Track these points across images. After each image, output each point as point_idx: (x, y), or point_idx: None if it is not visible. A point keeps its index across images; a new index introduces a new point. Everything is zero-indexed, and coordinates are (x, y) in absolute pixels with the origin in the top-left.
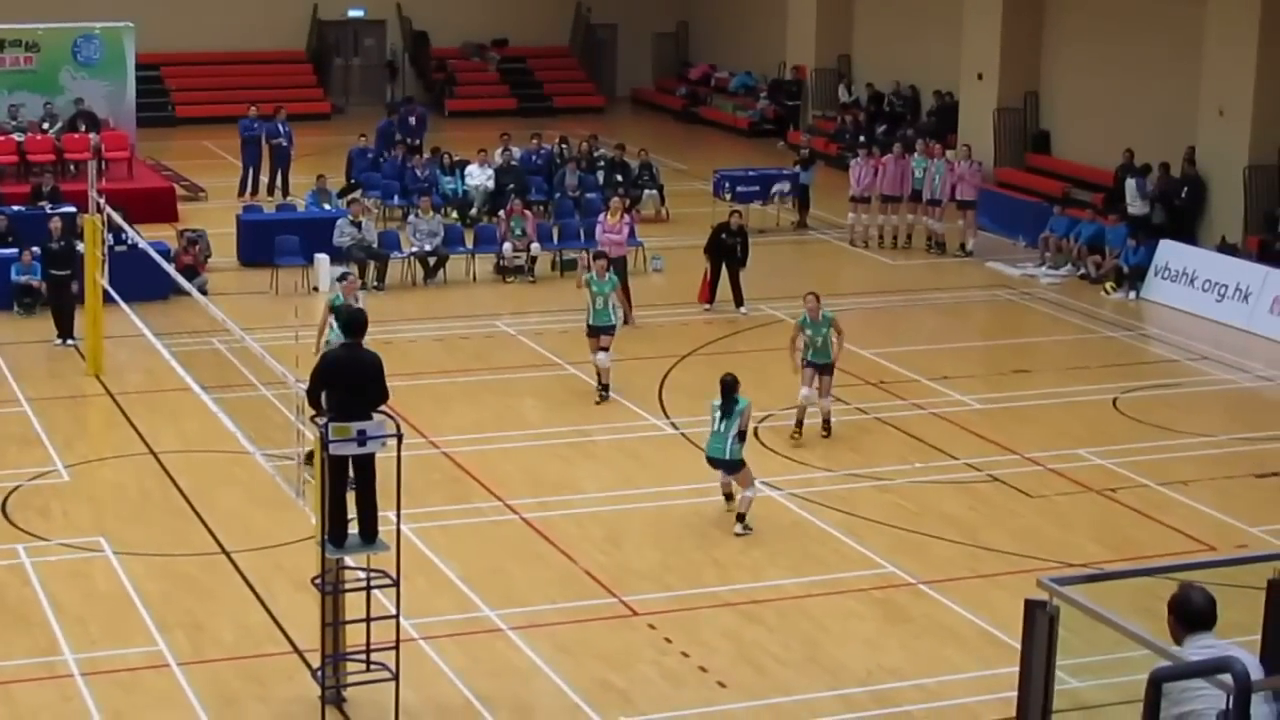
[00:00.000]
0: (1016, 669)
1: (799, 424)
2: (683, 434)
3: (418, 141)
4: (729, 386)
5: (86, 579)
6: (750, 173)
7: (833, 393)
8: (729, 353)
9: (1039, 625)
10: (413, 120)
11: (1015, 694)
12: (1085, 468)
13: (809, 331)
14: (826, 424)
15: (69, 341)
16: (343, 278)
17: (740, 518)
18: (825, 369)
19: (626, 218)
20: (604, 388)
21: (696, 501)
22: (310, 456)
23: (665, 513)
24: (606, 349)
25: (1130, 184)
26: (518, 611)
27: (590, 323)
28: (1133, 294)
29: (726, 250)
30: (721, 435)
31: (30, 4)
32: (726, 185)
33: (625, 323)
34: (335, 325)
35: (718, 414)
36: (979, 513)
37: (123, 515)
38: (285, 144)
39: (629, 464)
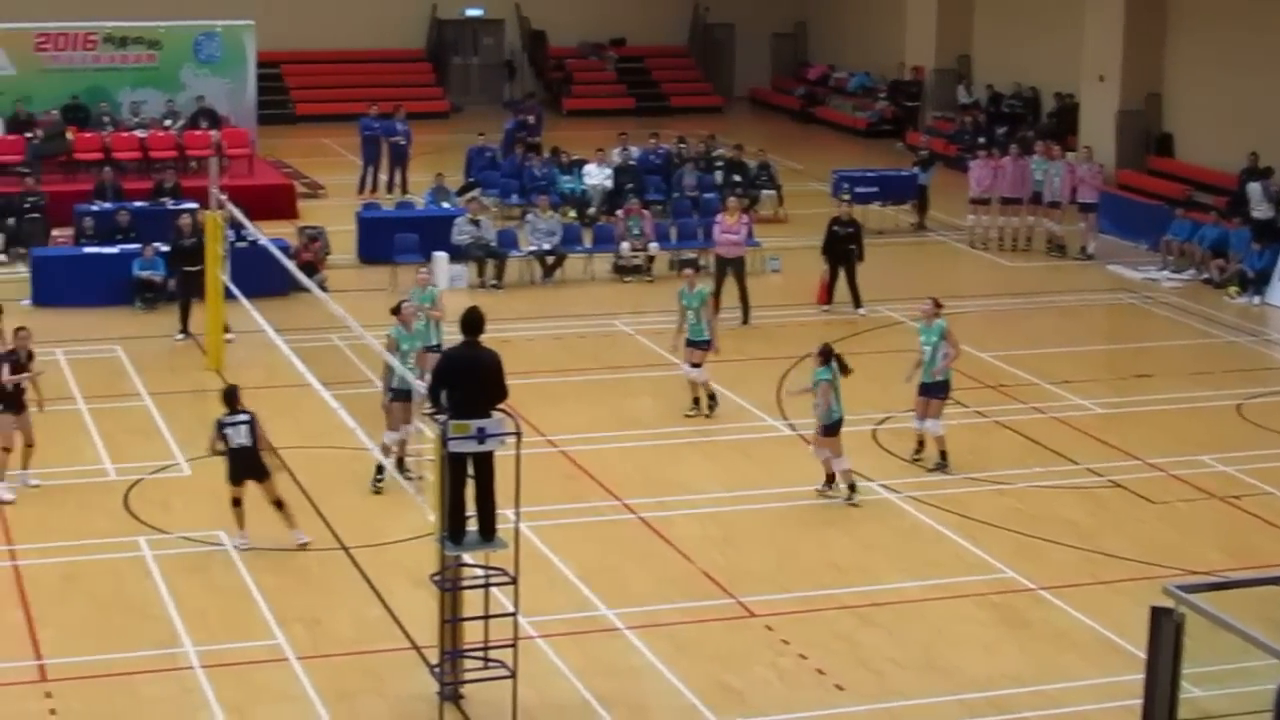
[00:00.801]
0: (1136, 676)
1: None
2: (801, 435)
3: (536, 139)
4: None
5: (206, 573)
6: (869, 173)
7: (941, 417)
8: (846, 354)
9: (1165, 633)
10: (531, 118)
11: (1135, 701)
12: (1208, 474)
13: (920, 339)
14: (942, 455)
15: (188, 336)
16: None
17: (852, 487)
18: (932, 389)
19: (744, 218)
20: (695, 401)
21: (814, 503)
22: (401, 464)
23: (783, 513)
24: (698, 365)
25: (1254, 187)
26: (635, 611)
27: (689, 337)
28: (1257, 298)
29: (840, 242)
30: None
31: (152, 2)
32: (845, 186)
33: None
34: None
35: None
36: (1099, 518)
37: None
38: (404, 142)
39: (746, 464)
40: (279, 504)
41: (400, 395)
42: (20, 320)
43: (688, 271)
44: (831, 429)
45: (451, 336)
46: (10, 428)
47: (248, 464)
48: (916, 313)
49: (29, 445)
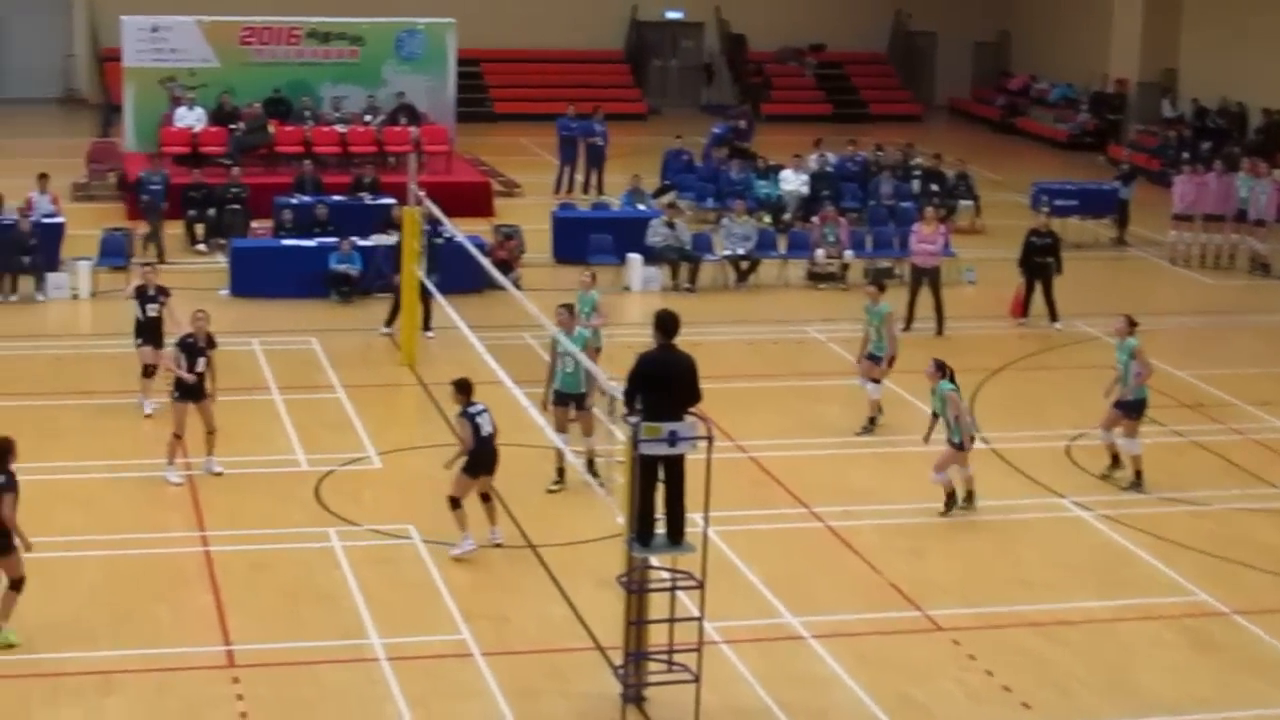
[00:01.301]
0: None
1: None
2: (992, 449)
3: (745, 145)
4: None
5: (394, 565)
6: (1068, 186)
7: (1138, 436)
8: (1041, 368)
9: None
10: (742, 123)
11: None
12: None
13: (1116, 356)
14: (1137, 475)
15: (428, 334)
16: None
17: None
18: (1126, 407)
19: (941, 228)
20: (870, 420)
21: (1003, 518)
22: (590, 464)
23: (971, 527)
24: (878, 380)
25: None
26: (819, 619)
27: (870, 351)
28: None
29: (1038, 253)
30: None
31: None
32: (1044, 198)
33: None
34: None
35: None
36: None
37: (431, 504)
38: (601, 143)
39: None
40: (487, 498)
41: (560, 399)
42: (217, 310)
43: (870, 289)
44: (961, 444)
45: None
46: (183, 414)
47: (491, 456)
48: (1111, 329)
49: (209, 432)
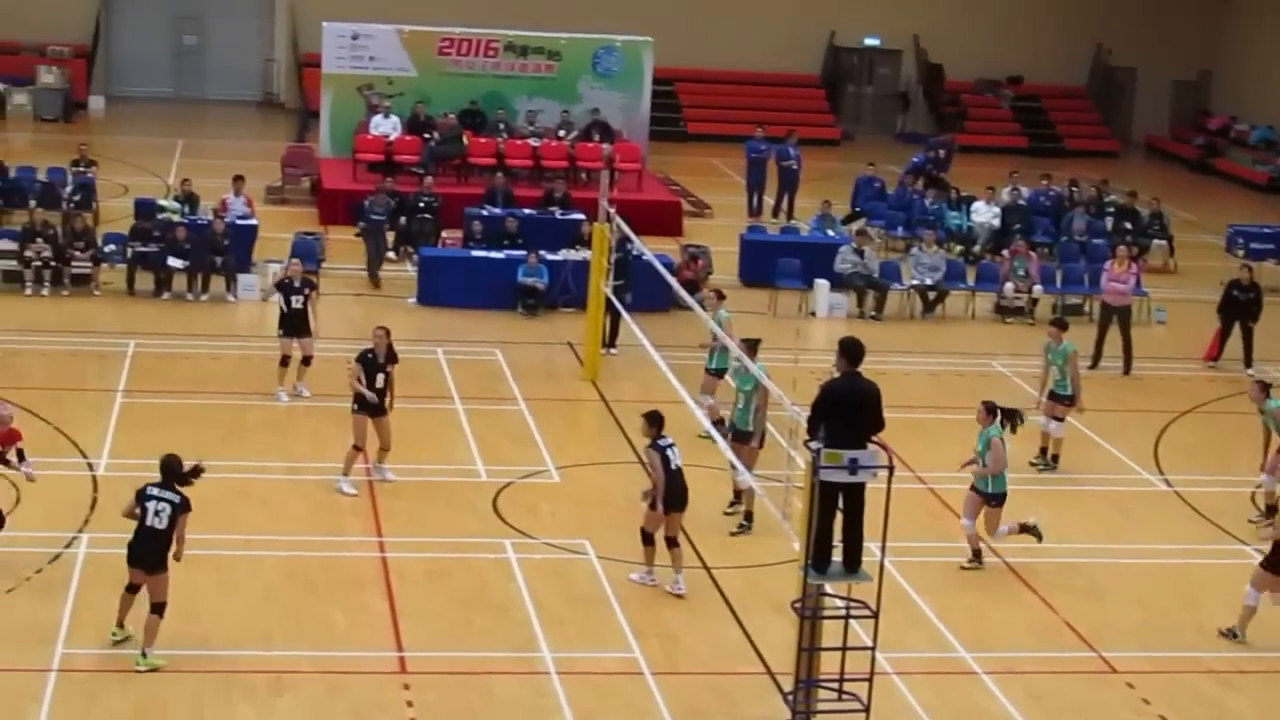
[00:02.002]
0: None
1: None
2: (1176, 492)
3: (941, 174)
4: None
5: (568, 579)
6: (1266, 229)
7: None
8: (1229, 413)
9: None
10: (941, 153)
11: None
12: None
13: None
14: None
15: (612, 352)
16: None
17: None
18: None
19: (1133, 266)
20: (1047, 454)
21: (1184, 562)
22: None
23: (1152, 570)
24: (1060, 419)
25: None
26: (992, 655)
27: (1052, 389)
28: None
29: (1240, 307)
30: None
31: (555, 14)
32: (1240, 241)
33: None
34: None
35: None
36: None
37: (607, 520)
38: (795, 167)
39: (1117, 517)
40: (674, 542)
41: (740, 435)
42: (404, 318)
43: (1052, 329)
44: (998, 499)
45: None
46: (363, 427)
47: (682, 492)
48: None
49: (383, 449)
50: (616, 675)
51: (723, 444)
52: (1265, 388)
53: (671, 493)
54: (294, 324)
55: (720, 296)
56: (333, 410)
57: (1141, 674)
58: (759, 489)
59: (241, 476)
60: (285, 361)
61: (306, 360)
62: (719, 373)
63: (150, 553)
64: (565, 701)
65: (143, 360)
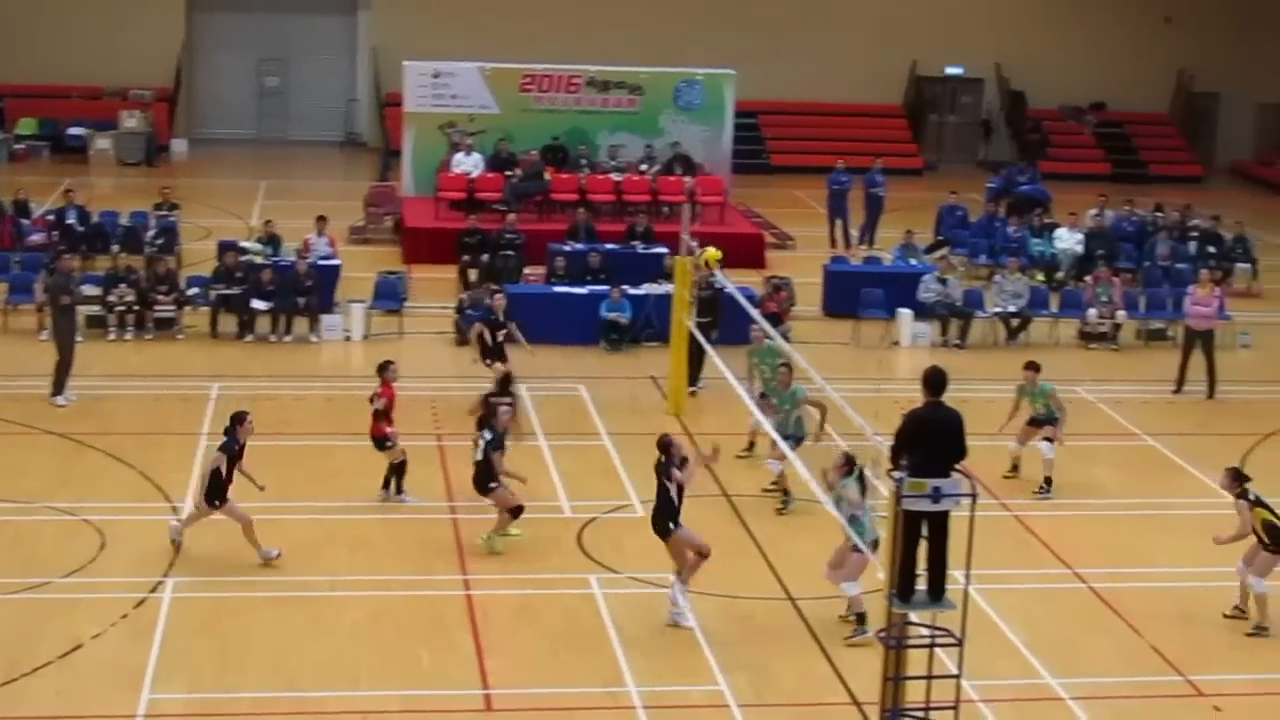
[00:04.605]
0: None
1: None
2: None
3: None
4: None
5: (653, 613)
6: None
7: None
8: None
9: None
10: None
11: None
12: None
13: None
14: None
15: (699, 387)
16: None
17: (860, 619)
18: None
19: (1217, 291)
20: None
21: (1273, 584)
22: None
23: (1238, 594)
24: (1051, 440)
25: None
26: (1080, 681)
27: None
28: None
29: None
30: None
31: (637, 48)
32: None
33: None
34: None
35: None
36: None
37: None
38: (881, 194)
39: (1204, 541)
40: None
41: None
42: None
43: (1027, 372)
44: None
45: (895, 391)
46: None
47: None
48: None
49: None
50: (703, 709)
51: (790, 453)
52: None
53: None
54: (496, 356)
55: (760, 331)
56: (419, 449)
57: (1229, 696)
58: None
59: (331, 518)
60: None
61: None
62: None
63: None
64: None
65: (227, 403)
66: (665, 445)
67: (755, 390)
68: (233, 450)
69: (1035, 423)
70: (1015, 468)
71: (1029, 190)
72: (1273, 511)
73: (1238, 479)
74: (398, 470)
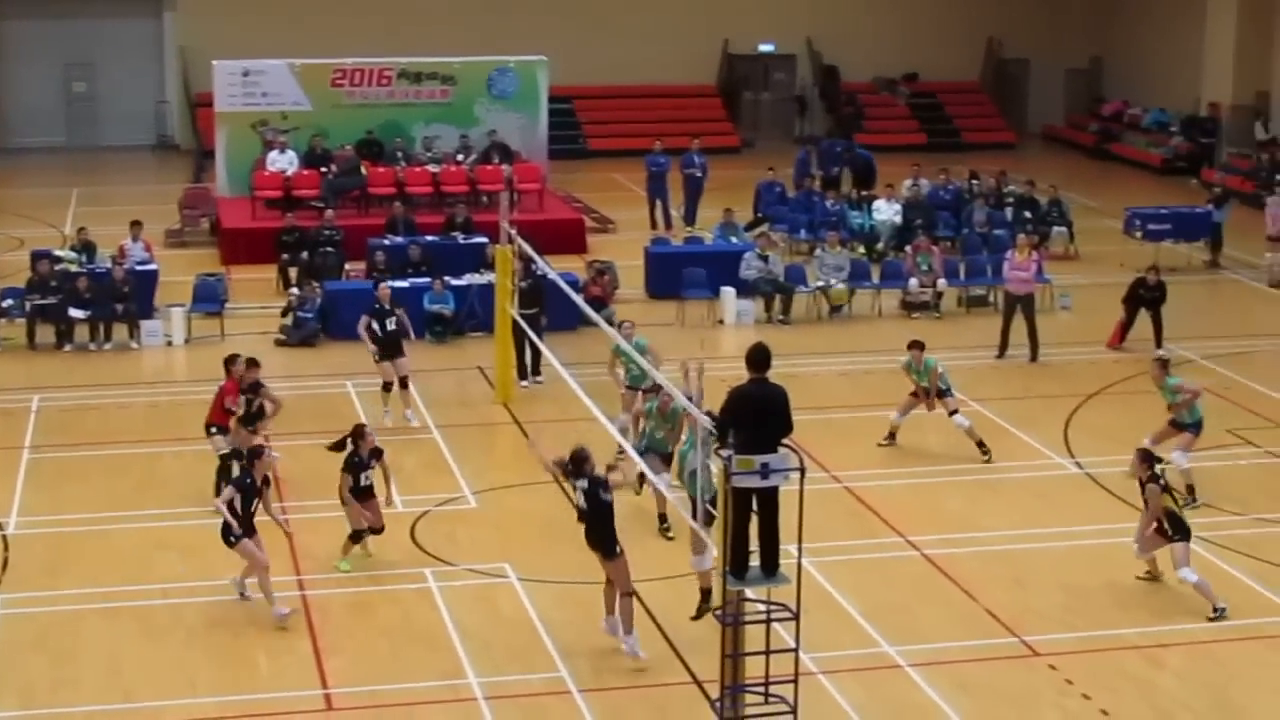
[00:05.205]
0: None
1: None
2: (1088, 474)
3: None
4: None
5: (491, 604)
6: (1162, 211)
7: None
8: (1137, 393)
9: None
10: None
11: None
12: None
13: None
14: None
15: (536, 379)
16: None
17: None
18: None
19: (1035, 255)
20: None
21: (1102, 542)
22: (642, 477)
23: (1070, 553)
24: (958, 410)
25: None
26: (918, 648)
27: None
28: None
29: (1144, 304)
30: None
31: (448, 38)
32: (1138, 223)
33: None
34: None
35: None
36: None
37: (527, 543)
38: (699, 174)
39: (1034, 503)
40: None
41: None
42: (312, 356)
43: (914, 350)
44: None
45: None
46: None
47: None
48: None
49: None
50: (545, 696)
51: (638, 459)
52: (1164, 365)
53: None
54: (390, 347)
55: (631, 325)
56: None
57: (1064, 655)
58: (672, 497)
59: (159, 525)
60: (387, 387)
61: (404, 382)
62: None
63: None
64: None
65: (49, 414)
66: (583, 459)
67: (622, 382)
68: (245, 484)
69: (917, 395)
70: (892, 435)
71: (866, 156)
72: (1174, 498)
73: (1149, 461)
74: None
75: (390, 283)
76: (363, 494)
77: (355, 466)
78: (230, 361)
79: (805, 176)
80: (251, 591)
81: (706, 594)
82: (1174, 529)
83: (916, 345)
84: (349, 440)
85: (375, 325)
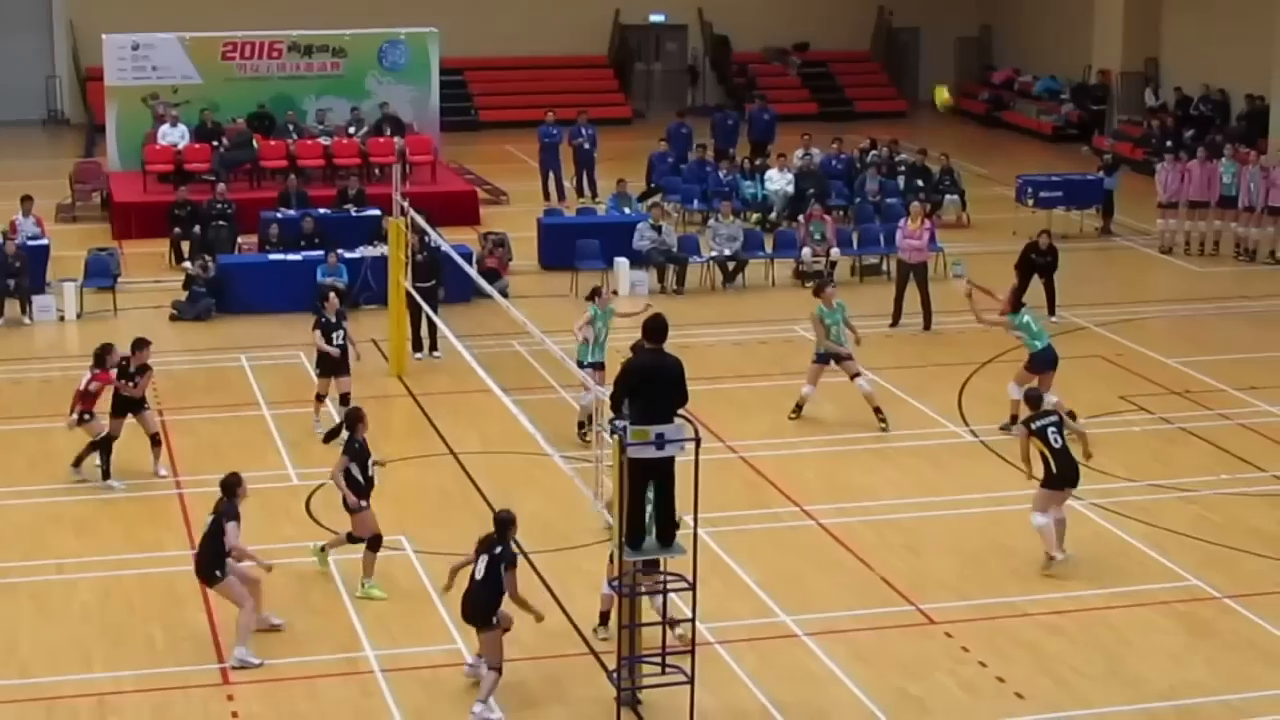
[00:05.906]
0: None
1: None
2: (982, 441)
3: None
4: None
5: (387, 578)
6: (1054, 178)
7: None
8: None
9: None
10: (766, 117)
11: None
12: None
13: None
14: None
15: (435, 354)
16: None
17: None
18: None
19: (927, 223)
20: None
21: (996, 510)
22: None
23: (965, 521)
24: (861, 373)
25: None
26: (814, 617)
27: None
28: None
29: (1037, 269)
30: None
31: (338, 11)
32: (1029, 190)
33: (856, 343)
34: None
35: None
36: None
37: (424, 515)
38: (588, 146)
39: (928, 471)
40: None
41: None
42: (205, 330)
43: (830, 290)
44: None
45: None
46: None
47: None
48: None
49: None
50: (443, 668)
51: (583, 374)
52: (1017, 304)
53: None
54: (335, 363)
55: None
56: (138, 427)
57: (960, 623)
58: (570, 470)
59: (51, 501)
60: (321, 399)
61: (344, 399)
62: (598, 365)
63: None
64: (393, 700)
65: None
66: (507, 523)
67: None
68: (355, 449)
69: (823, 359)
70: (799, 408)
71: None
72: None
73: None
74: (100, 448)
75: (329, 280)
76: (366, 493)
77: (358, 454)
78: (105, 352)
79: (686, 149)
80: (274, 617)
81: (605, 616)
82: (1047, 477)
83: (826, 285)
84: (344, 428)
85: (322, 339)
